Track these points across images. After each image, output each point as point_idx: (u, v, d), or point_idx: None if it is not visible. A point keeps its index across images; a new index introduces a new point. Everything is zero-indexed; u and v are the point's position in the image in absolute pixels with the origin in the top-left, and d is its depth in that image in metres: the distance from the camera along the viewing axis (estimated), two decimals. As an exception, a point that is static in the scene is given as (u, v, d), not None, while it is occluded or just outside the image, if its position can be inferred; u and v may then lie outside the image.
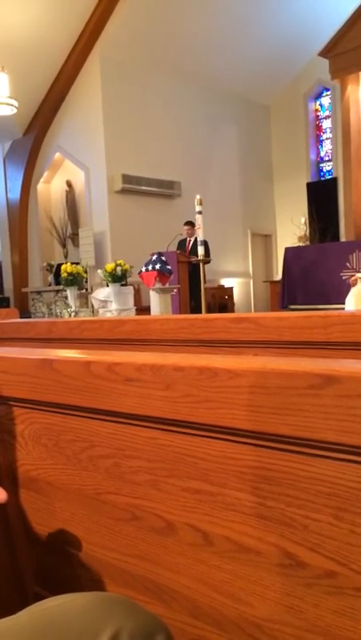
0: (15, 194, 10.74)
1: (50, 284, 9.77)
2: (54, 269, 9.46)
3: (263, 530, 0.72)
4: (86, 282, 7.79)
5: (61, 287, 7.99)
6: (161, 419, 0.81)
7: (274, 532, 0.71)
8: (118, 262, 6.11)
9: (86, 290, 8.25)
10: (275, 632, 0.74)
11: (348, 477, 0.63)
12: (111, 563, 0.96)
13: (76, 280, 6.86)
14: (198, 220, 5.95)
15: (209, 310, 7.89)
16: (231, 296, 10.89)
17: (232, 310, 10.44)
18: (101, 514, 0.95)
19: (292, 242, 9.99)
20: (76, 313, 6.81)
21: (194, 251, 7.60)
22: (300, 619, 0.71)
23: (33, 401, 1.02)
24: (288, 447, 0.68)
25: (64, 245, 10.47)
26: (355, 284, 5.82)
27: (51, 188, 10.92)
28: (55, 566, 1.07)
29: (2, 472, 1.11)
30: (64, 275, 6.80)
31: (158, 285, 5.92)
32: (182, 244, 8.64)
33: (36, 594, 1.06)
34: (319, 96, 11.92)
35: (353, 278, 5.96)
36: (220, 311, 9.76)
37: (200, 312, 6.27)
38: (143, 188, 9.79)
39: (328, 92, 11.58)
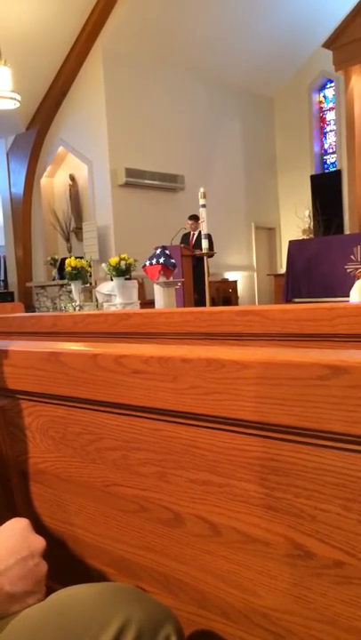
0: (19, 188, 10.73)
1: (54, 279, 9.78)
2: (58, 264, 9.46)
3: (271, 520, 0.73)
4: (90, 276, 7.78)
5: (65, 281, 8.00)
6: (168, 410, 0.81)
7: (282, 522, 0.71)
8: (122, 256, 6.11)
9: (90, 284, 8.25)
10: (282, 622, 0.74)
11: (357, 468, 0.63)
12: (119, 554, 0.96)
13: (80, 274, 6.87)
14: (202, 213, 5.93)
15: (213, 304, 7.88)
16: (235, 289, 10.87)
17: (236, 304, 10.43)
18: (109, 506, 0.96)
19: (296, 235, 9.96)
20: (81, 307, 6.81)
21: (198, 244, 7.58)
22: (309, 608, 0.71)
23: (40, 394, 1.02)
24: (296, 438, 0.68)
25: (68, 239, 10.47)
26: (360, 276, 5.81)
27: (54, 183, 10.90)
28: (63, 558, 1.08)
29: (10, 465, 1.11)
30: (68, 269, 6.81)
31: (162, 279, 5.92)
32: (186, 237, 8.62)
33: (45, 585, 1.07)
34: (323, 88, 11.84)
35: (358, 271, 5.94)
36: (223, 304, 9.75)
37: (204, 305, 6.27)
38: (146, 181, 9.77)
39: (332, 84, 11.51)
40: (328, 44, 10.02)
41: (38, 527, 1.11)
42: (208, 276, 6.13)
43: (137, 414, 0.87)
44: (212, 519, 0.80)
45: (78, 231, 10.26)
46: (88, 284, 7.57)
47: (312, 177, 11.59)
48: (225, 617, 0.81)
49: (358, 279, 5.82)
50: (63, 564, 1.10)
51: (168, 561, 0.88)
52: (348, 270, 7.97)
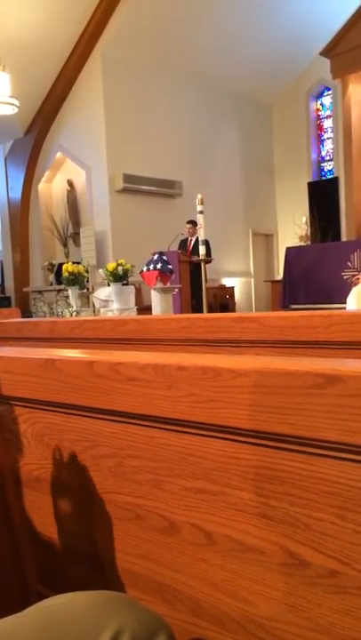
0: (16, 193, 10.74)
1: (51, 284, 9.77)
2: (55, 269, 9.46)
3: (266, 529, 0.73)
4: (87, 281, 7.78)
5: (63, 287, 7.99)
6: (164, 418, 0.81)
7: (277, 531, 0.71)
8: (119, 262, 6.11)
9: (87, 289, 8.25)
10: (277, 631, 0.74)
11: (351, 477, 0.63)
12: (114, 562, 0.96)
13: (77, 279, 6.86)
14: (200, 219, 5.94)
15: (210, 310, 7.88)
16: (232, 295, 10.88)
17: (233, 310, 10.44)
18: (104, 513, 0.95)
19: (294, 241, 9.97)
20: (78, 312, 6.81)
21: (195, 250, 7.59)
22: (303, 618, 0.71)
23: (35, 400, 1.02)
24: (290, 447, 0.68)
25: (65, 245, 10.47)
26: (357, 283, 5.82)
27: (52, 188, 10.91)
28: (58, 565, 1.07)
29: (5, 472, 1.11)
30: (65, 274, 6.80)
31: (160, 285, 5.92)
32: (184, 243, 8.63)
33: (39, 592, 1.06)
34: (321, 95, 11.90)
35: (355, 278, 5.95)
36: (221, 311, 9.76)
37: (201, 311, 6.27)
38: (144, 187, 9.78)
39: (329, 92, 11.56)
40: (326, 52, 10.07)
41: (32, 533, 1.10)
42: (206, 281, 6.14)
43: (132, 422, 0.87)
44: (206, 527, 0.80)
45: (76, 236, 10.26)
46: (85, 290, 7.57)
47: (309, 184, 11.62)
48: (220, 626, 0.81)
49: (355, 286, 5.83)
50: (56, 571, 1.09)
51: (163, 569, 0.87)
52: (345, 277, 7.99)
